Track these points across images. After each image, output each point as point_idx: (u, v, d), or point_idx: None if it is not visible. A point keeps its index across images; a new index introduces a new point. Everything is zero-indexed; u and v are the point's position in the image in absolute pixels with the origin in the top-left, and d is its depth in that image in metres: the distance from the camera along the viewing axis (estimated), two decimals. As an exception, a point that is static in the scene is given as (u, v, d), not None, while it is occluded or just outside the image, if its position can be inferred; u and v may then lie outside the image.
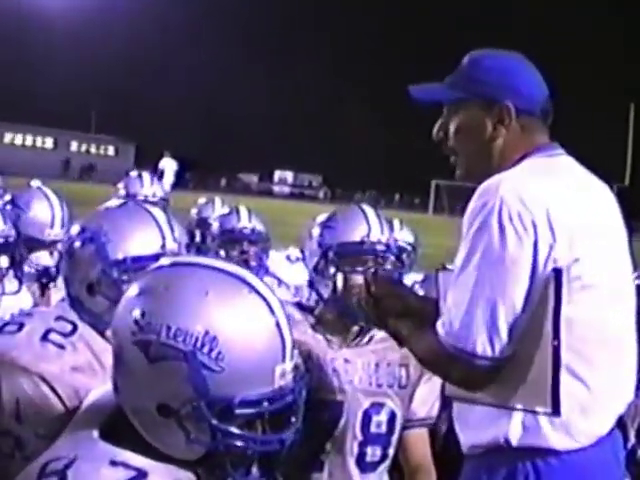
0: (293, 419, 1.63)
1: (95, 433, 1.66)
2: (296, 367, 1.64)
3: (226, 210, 4.97)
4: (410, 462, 2.97)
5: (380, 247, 2.84)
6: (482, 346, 2.12)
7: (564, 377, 2.14)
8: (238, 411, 1.55)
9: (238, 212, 4.68)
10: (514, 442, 2.19)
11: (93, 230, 2.27)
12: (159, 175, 17.70)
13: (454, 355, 2.15)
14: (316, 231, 2.93)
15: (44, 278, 3.92)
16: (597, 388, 2.18)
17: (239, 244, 4.53)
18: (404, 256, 3.42)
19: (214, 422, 1.55)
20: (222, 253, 4.48)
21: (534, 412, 2.15)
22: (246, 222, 4.58)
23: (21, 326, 2.24)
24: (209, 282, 1.61)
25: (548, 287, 2.11)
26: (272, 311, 1.62)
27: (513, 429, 2.19)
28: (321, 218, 2.97)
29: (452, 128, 2.40)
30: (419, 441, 2.96)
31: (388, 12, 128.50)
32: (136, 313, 1.60)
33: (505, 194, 2.13)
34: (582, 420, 2.17)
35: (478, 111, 2.36)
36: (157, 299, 1.59)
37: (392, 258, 2.87)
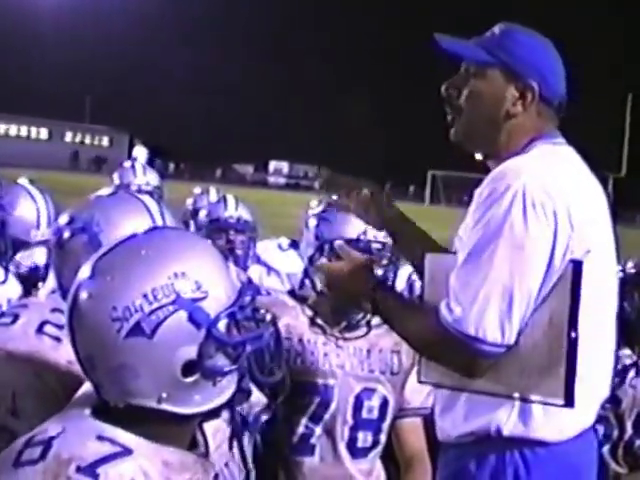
0: (263, 313, 1.74)
1: (87, 411, 1.66)
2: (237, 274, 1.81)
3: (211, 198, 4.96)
4: (405, 451, 2.96)
5: (376, 245, 2.84)
6: (492, 333, 2.07)
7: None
8: (240, 315, 1.67)
9: (225, 201, 4.67)
10: (505, 432, 2.16)
11: (84, 220, 2.24)
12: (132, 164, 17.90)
13: (459, 339, 2.09)
14: (313, 222, 2.91)
15: (31, 279, 3.84)
16: (586, 380, 2.16)
17: (225, 233, 4.52)
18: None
19: (232, 339, 1.65)
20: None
21: (545, 403, 2.12)
22: (233, 211, 4.58)
23: (16, 317, 2.23)
24: (136, 245, 1.69)
25: (564, 278, 2.09)
26: (197, 236, 1.82)
27: (506, 419, 2.16)
28: (318, 208, 2.94)
29: (468, 90, 2.32)
30: (413, 430, 2.95)
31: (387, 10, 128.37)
32: (107, 313, 1.60)
33: (528, 181, 2.09)
34: (572, 412, 2.15)
35: (502, 81, 2.29)
36: (115, 287, 1.62)
37: (388, 254, 2.85)
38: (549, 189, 2.09)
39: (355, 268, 2.39)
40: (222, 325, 1.64)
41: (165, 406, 1.63)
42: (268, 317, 1.74)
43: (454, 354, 2.14)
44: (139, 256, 1.65)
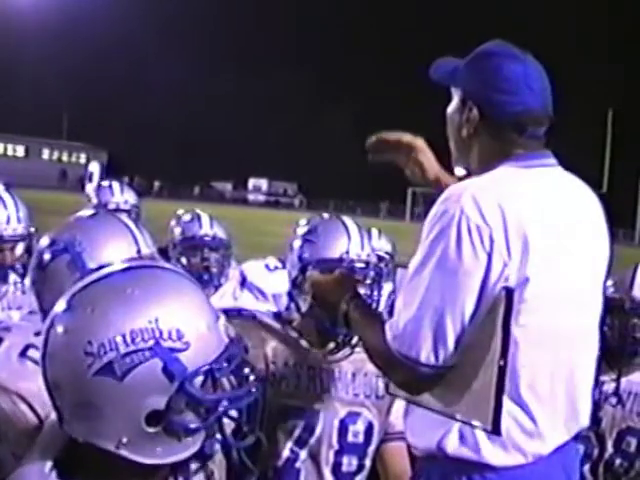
0: (248, 372, 1.67)
1: (47, 465, 1.61)
2: (226, 327, 1.71)
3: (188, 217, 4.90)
4: (389, 475, 2.95)
5: (359, 265, 2.82)
6: (426, 354, 2.08)
7: (507, 403, 2.09)
8: (218, 374, 1.59)
9: (200, 219, 4.63)
10: (448, 451, 2.16)
11: (66, 240, 2.23)
12: (89, 178, 18.19)
13: (398, 359, 2.11)
14: (297, 243, 2.90)
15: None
16: (543, 418, 2.14)
17: (200, 251, 4.48)
18: (382, 265, 3.39)
19: (205, 396, 1.58)
20: (183, 260, 4.44)
21: (473, 426, 2.11)
22: (207, 229, 4.56)
23: None
24: (121, 283, 1.62)
25: (498, 304, 2.07)
26: (188, 279, 1.70)
27: (448, 438, 2.16)
28: (302, 229, 2.92)
29: (448, 110, 2.39)
30: (398, 454, 2.92)
31: (369, 29, 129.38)
32: (80, 346, 1.54)
33: (466, 205, 2.08)
34: (524, 441, 2.13)
35: (457, 103, 2.34)
36: (93, 321, 1.56)
37: (372, 274, 2.83)
38: (487, 214, 2.07)
39: (336, 279, 2.52)
40: (198, 380, 1.58)
41: (123, 452, 1.57)
42: (252, 377, 1.66)
43: (395, 371, 2.18)
44: (123, 294, 1.59)
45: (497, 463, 2.13)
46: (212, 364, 1.59)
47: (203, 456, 1.67)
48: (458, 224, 2.06)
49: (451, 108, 2.36)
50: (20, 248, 3.84)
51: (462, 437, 2.15)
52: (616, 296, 3.49)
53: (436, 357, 2.08)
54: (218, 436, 1.64)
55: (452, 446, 2.16)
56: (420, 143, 2.60)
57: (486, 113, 2.26)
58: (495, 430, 2.07)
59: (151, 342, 1.54)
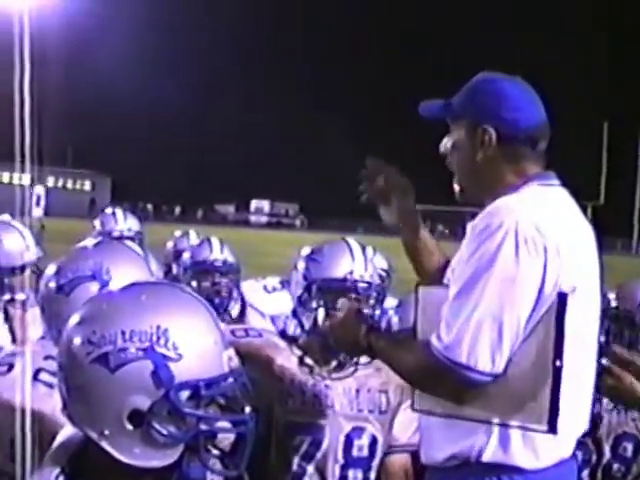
0: (245, 404, 1.74)
1: (55, 472, 1.72)
2: (231, 358, 1.77)
3: (198, 242, 4.96)
4: None
5: (362, 285, 2.88)
6: (484, 361, 2.15)
7: None
8: (204, 392, 1.67)
9: (210, 244, 4.68)
10: (484, 458, 2.23)
11: (93, 269, 2.34)
12: (36, 201, 18.30)
13: (449, 368, 2.16)
14: (301, 264, 2.96)
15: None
16: (567, 413, 2.21)
17: (211, 275, 4.53)
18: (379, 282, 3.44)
19: (187, 409, 1.66)
20: (194, 284, 4.48)
21: (529, 429, 2.18)
22: (218, 254, 4.59)
23: (11, 367, 2.29)
24: (141, 289, 1.78)
25: (551, 310, 2.16)
26: (203, 304, 1.79)
27: (485, 445, 2.23)
28: (307, 250, 2.99)
29: (449, 145, 2.45)
30: (401, 466, 2.97)
31: (373, 51, 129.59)
32: (86, 334, 1.68)
33: (520, 218, 2.17)
34: (550, 441, 2.21)
35: (466, 132, 2.40)
36: (103, 315, 1.70)
37: (374, 294, 2.89)
38: (540, 226, 2.17)
39: (345, 320, 2.54)
40: (184, 394, 1.66)
41: (104, 444, 1.67)
42: (247, 409, 1.73)
43: (444, 382, 2.21)
44: (137, 299, 1.72)
45: (527, 466, 2.22)
46: (201, 382, 1.67)
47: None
48: (515, 235, 2.15)
49: (456, 139, 2.43)
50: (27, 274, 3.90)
51: (498, 443, 2.22)
52: (626, 307, 3.57)
53: (493, 364, 2.15)
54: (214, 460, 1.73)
55: (488, 453, 2.22)
56: (404, 183, 2.65)
57: (502, 132, 2.34)
58: (552, 429, 2.16)
59: (147, 344, 1.65)
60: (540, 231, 2.16)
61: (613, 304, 4.00)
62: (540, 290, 2.15)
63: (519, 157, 2.36)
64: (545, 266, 2.15)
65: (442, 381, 2.21)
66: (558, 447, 2.25)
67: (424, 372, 2.25)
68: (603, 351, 2.48)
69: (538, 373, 2.17)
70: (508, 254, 2.15)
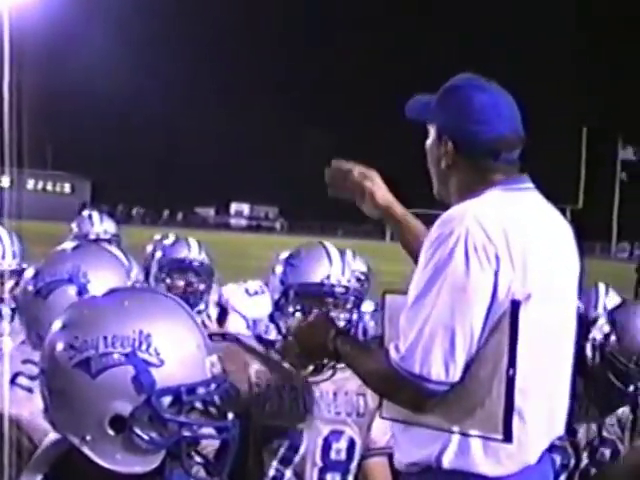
0: (228, 410, 1.75)
1: (38, 479, 1.71)
2: (213, 364, 1.79)
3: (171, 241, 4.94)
4: None
5: (339, 289, 2.89)
6: (437, 371, 2.16)
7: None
8: (186, 398, 1.67)
9: (189, 243, 4.68)
10: (445, 464, 2.24)
11: (70, 272, 2.33)
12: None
13: (406, 379, 2.18)
14: (279, 268, 2.96)
15: None
16: (531, 420, 2.23)
17: (186, 274, 4.52)
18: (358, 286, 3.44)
19: (168, 415, 1.66)
20: (168, 281, 4.46)
21: (486, 438, 2.20)
22: (196, 254, 4.60)
23: None
24: (123, 295, 1.78)
25: (504, 318, 2.17)
26: (186, 310, 1.80)
27: (445, 451, 2.24)
28: (284, 254, 2.99)
29: (427, 146, 2.47)
30: (379, 469, 2.97)
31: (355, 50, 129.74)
32: (69, 339, 1.68)
33: (471, 225, 2.18)
34: (514, 448, 2.22)
35: (435, 137, 2.42)
36: (85, 320, 1.70)
37: (351, 298, 2.90)
38: (492, 234, 2.17)
39: (314, 322, 2.55)
40: (166, 400, 1.67)
41: (86, 449, 1.67)
42: (230, 416, 1.74)
43: (401, 392, 2.23)
44: (120, 304, 1.72)
45: (489, 473, 2.22)
46: (182, 388, 1.67)
47: None
48: (465, 244, 2.16)
49: (429, 142, 2.45)
50: (11, 282, 3.85)
51: (458, 450, 2.23)
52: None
53: (447, 373, 2.16)
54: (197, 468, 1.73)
55: (448, 459, 2.23)
56: (372, 173, 2.68)
57: (460, 145, 2.35)
58: (507, 438, 2.17)
59: (128, 349, 1.65)
60: (491, 239, 2.16)
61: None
62: (492, 298, 2.16)
63: (480, 168, 2.36)
64: (497, 274, 2.15)
65: (400, 390, 2.23)
66: (521, 454, 2.25)
67: (384, 381, 2.28)
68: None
69: (494, 381, 2.18)
70: (458, 263, 2.15)
